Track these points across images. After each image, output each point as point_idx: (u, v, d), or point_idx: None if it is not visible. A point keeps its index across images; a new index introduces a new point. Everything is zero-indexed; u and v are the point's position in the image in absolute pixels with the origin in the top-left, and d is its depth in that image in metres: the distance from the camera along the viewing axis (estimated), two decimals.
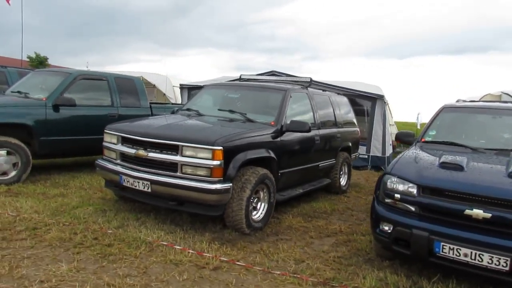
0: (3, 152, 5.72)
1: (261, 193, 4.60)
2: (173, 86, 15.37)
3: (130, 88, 7.54)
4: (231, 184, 4.12)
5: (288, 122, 5.09)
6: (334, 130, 6.61)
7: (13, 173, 5.85)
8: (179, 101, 14.73)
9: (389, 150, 10.43)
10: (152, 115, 7.67)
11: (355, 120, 7.85)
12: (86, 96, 6.72)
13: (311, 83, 6.30)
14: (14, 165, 5.87)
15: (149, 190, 4.20)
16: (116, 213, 4.73)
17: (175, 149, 4.15)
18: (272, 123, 5.03)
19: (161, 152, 4.23)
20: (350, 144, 7.26)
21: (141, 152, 4.30)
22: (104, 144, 4.82)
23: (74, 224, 4.23)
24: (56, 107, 6.25)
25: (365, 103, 10.40)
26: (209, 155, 4.02)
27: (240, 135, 4.34)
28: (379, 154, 10.20)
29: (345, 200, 6.63)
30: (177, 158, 4.13)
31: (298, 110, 5.69)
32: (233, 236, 4.28)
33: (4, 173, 5.78)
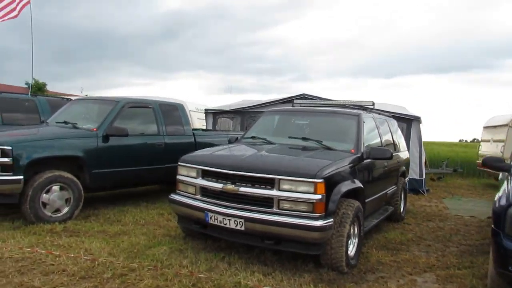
0: (57, 187, 5.35)
1: (352, 227, 4.27)
2: (190, 111, 15.07)
3: (174, 115, 7.25)
4: (332, 220, 3.80)
5: (365, 148, 4.81)
6: (395, 155, 6.34)
7: (65, 210, 5.47)
8: (198, 126, 14.43)
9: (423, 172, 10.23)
10: (195, 143, 7.35)
11: (405, 144, 7.62)
12: (133, 125, 6.40)
13: (373, 106, 6.07)
14: (66, 201, 5.48)
15: (243, 228, 3.86)
16: (195, 253, 4.35)
17: (270, 183, 3.84)
18: (352, 150, 4.75)
19: (253, 187, 3.91)
20: (405, 169, 7.00)
21: (230, 187, 3.97)
22: (180, 178, 4.48)
23: (159, 268, 3.85)
24: (106, 138, 5.91)
25: (400, 125, 10.20)
26: (311, 189, 3.72)
27: (334, 166, 4.04)
28: (417, 177, 9.96)
29: (409, 228, 6.31)
30: (273, 192, 3.81)
31: (368, 136, 5.43)
32: (332, 276, 3.93)
33: (57, 210, 5.40)
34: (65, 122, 6.17)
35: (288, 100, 10.84)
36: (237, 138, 5.68)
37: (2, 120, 7.71)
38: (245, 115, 11.42)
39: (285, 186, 3.79)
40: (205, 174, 4.24)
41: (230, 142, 5.55)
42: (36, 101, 8.45)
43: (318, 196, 3.71)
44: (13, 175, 4.92)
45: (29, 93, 9.34)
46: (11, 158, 4.90)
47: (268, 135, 5.37)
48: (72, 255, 4.10)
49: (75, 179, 5.53)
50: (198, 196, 4.25)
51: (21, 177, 4.98)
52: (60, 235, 4.81)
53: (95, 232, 5.06)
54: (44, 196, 5.23)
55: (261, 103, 11.37)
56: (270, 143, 5.07)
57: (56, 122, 6.31)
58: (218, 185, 4.07)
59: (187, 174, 4.39)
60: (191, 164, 4.37)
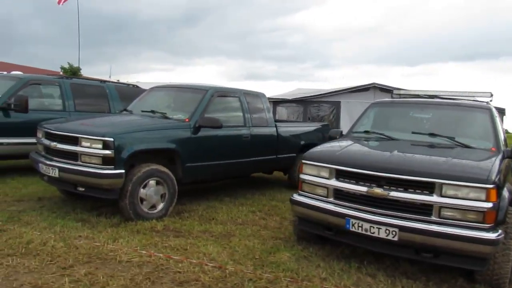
0: (153, 182, 4.98)
1: None
2: None
3: (257, 104, 6.79)
4: (502, 231, 3.28)
5: (504, 147, 4.26)
6: None
7: (161, 206, 5.11)
8: None
9: None
10: (277, 134, 6.89)
11: None
12: (222, 115, 5.97)
13: (492, 99, 5.45)
14: (161, 196, 5.11)
15: (396, 238, 3.38)
16: (325, 261, 3.93)
17: (428, 188, 3.33)
18: (493, 149, 4.20)
19: (406, 191, 3.41)
20: None
21: (378, 191, 3.48)
22: (305, 177, 4.02)
23: (299, 281, 3.43)
24: (197, 129, 5.50)
25: None
26: (482, 195, 3.21)
27: (496, 168, 3.50)
28: None
29: None
30: (433, 198, 3.32)
31: None
32: None
33: (153, 206, 5.03)
34: (152, 112, 5.78)
35: (357, 89, 10.27)
36: (341, 132, 5.18)
37: (75, 107, 7.42)
38: (308, 105, 10.89)
39: (449, 192, 3.29)
40: (340, 175, 3.77)
41: (331, 137, 5.07)
42: (105, 87, 8.13)
43: (490, 204, 3.20)
44: (115, 168, 4.56)
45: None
46: (112, 151, 4.54)
47: (383, 129, 4.86)
48: (195, 261, 3.72)
49: (170, 173, 5.15)
50: (331, 199, 3.79)
51: (123, 171, 4.63)
52: (167, 236, 4.46)
53: (199, 232, 4.68)
54: (142, 191, 4.87)
55: (325, 92, 10.81)
56: (392, 139, 4.55)
57: (142, 111, 5.93)
58: (360, 188, 3.59)
59: (316, 173, 3.92)
60: (321, 162, 3.90)
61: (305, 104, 10.68)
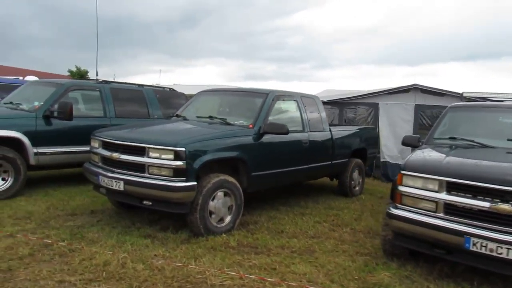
0: (221, 194, 4.64)
1: None
2: None
3: (314, 108, 6.45)
4: None
5: None
6: None
7: (228, 219, 4.78)
8: None
9: None
10: (332, 140, 6.55)
11: None
12: (282, 120, 5.62)
13: None
14: (229, 208, 4.77)
15: None
16: (433, 283, 3.58)
17: None
18: None
19: None
20: None
21: (505, 207, 3.13)
22: (406, 189, 3.68)
23: None
24: (262, 136, 5.16)
25: None
26: None
27: None
28: None
29: None
30: None
31: None
32: None
33: (221, 220, 4.69)
34: (210, 117, 5.44)
35: (396, 91, 9.91)
36: (418, 138, 4.82)
37: (115, 113, 7.08)
38: (344, 107, 10.54)
39: None
40: (452, 188, 3.41)
41: (407, 144, 4.72)
42: (144, 91, 7.79)
43: None
44: (186, 181, 4.22)
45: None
46: (184, 161, 4.20)
47: (470, 135, 4.50)
48: (294, 284, 3.37)
49: (237, 183, 4.81)
50: (441, 215, 3.44)
51: (195, 183, 4.29)
52: (246, 253, 4.12)
53: (277, 248, 4.34)
54: (211, 204, 4.53)
55: (361, 94, 10.45)
56: (487, 146, 4.20)
57: (198, 117, 5.59)
58: (481, 204, 3.24)
59: (421, 186, 3.57)
60: (427, 174, 3.54)
61: (341, 106, 10.34)
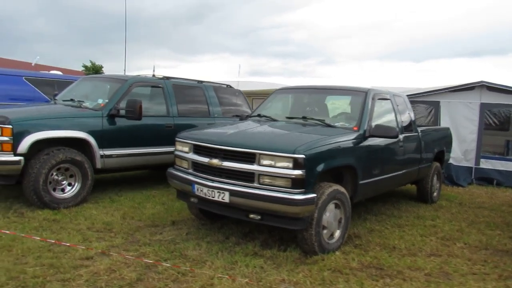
0: (333, 206, 4.08)
1: None
2: None
3: (404, 107, 5.88)
4: None
5: None
6: None
7: (338, 234, 4.24)
8: None
9: None
10: (420, 142, 5.96)
11: None
12: (380, 121, 5.04)
13: None
14: (339, 221, 4.22)
15: None
16: None
17: None
18: None
19: None
20: None
21: None
22: None
23: None
24: (366, 139, 4.59)
25: None
26: None
27: None
28: None
29: None
30: None
31: None
32: None
33: (331, 235, 4.13)
34: (304, 118, 4.89)
35: (460, 89, 9.28)
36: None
37: (178, 111, 6.53)
38: None
39: None
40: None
41: None
42: (203, 87, 7.23)
43: None
44: (305, 192, 3.66)
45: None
46: (304, 170, 3.64)
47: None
48: None
49: (347, 193, 4.25)
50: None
51: (314, 195, 3.72)
52: (380, 277, 3.60)
53: (407, 269, 3.79)
54: (323, 218, 3.97)
55: (421, 92, 9.83)
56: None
57: (288, 118, 5.03)
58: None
59: None
60: None
61: None
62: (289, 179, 3.65)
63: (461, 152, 9.19)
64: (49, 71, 13.82)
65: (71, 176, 5.27)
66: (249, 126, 4.63)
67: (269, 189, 3.72)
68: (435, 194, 6.90)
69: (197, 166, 4.24)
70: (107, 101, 5.74)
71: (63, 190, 5.20)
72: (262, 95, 11.80)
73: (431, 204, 6.70)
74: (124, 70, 20.54)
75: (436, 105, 9.47)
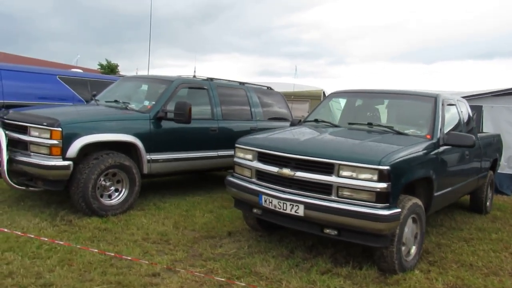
0: (410, 220, 3.78)
1: None
2: None
3: (466, 113, 5.53)
4: None
5: None
6: None
7: (413, 250, 3.91)
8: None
9: None
10: (480, 149, 5.61)
11: None
12: (449, 129, 4.72)
13: None
14: (415, 237, 3.91)
15: None
16: None
17: None
18: None
19: None
20: None
21: None
22: None
23: None
24: (439, 148, 4.27)
25: None
26: None
27: None
28: None
29: None
30: None
31: None
32: None
33: (408, 252, 3.82)
34: (370, 125, 4.58)
35: (504, 93, 8.91)
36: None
37: (222, 114, 6.26)
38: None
39: None
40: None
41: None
42: (246, 89, 6.95)
43: None
44: (390, 207, 3.36)
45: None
46: (389, 184, 3.33)
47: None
48: None
49: (423, 207, 3.94)
50: None
51: (399, 210, 3.42)
52: None
53: None
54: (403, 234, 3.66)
55: (465, 95, 9.44)
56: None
57: (350, 124, 4.73)
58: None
59: None
60: None
61: None
62: (373, 193, 3.35)
63: (505, 159, 8.80)
64: (69, 69, 13.68)
65: (118, 181, 5.02)
66: (317, 133, 4.34)
67: (349, 202, 3.43)
68: (488, 204, 6.56)
69: (262, 175, 3.96)
70: (153, 103, 5.47)
71: (110, 196, 4.95)
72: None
73: (485, 214, 6.36)
74: (148, 70, 20.39)
75: (478, 110, 9.09)
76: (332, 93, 5.55)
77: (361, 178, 3.40)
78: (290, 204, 3.61)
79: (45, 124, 4.48)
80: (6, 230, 4.03)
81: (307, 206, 3.54)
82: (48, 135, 4.45)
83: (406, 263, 3.74)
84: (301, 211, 3.56)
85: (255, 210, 4.07)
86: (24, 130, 4.64)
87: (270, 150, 3.89)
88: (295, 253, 4.08)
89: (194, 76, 6.75)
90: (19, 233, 3.97)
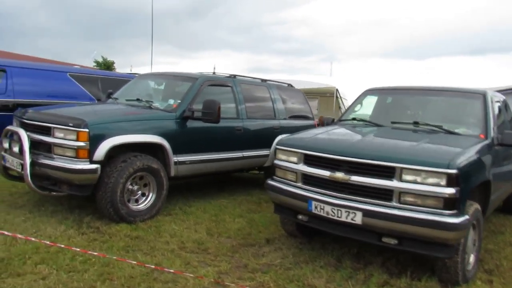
0: (471, 227, 3.52)
1: None
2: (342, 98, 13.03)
3: (508, 111, 5.29)
4: None
5: None
6: None
7: (472, 258, 3.65)
8: None
9: None
10: None
11: None
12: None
13: None
14: (474, 245, 3.67)
15: None
16: None
17: None
18: None
19: None
20: None
21: None
22: None
23: None
24: (492, 148, 4.03)
25: None
26: None
27: None
28: None
29: None
30: None
31: None
32: None
33: (468, 261, 3.57)
34: (415, 123, 4.31)
35: None
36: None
37: (247, 113, 5.98)
38: None
39: None
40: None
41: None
42: (267, 87, 6.68)
43: None
44: (458, 214, 3.10)
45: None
46: (457, 189, 3.07)
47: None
48: None
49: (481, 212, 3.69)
50: None
51: (468, 217, 3.17)
52: None
53: None
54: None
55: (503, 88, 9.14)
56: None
57: (393, 123, 4.46)
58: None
59: None
60: None
61: None
62: (440, 199, 3.09)
63: None
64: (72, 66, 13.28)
65: (144, 185, 4.72)
66: (365, 133, 4.06)
67: (413, 209, 3.16)
68: None
69: (310, 179, 3.69)
70: (179, 101, 5.17)
71: (136, 201, 4.65)
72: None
73: None
74: (151, 66, 20.00)
75: None
76: (367, 90, 5.28)
77: (427, 183, 3.13)
78: (346, 211, 3.34)
79: (71, 124, 4.17)
80: (33, 239, 3.73)
81: (366, 213, 3.27)
82: (74, 137, 4.15)
83: (467, 273, 3.49)
84: (358, 219, 3.29)
85: (300, 217, 3.80)
86: (47, 131, 4.34)
87: (320, 153, 3.62)
88: (342, 262, 3.81)
89: (214, 73, 6.45)
90: (48, 242, 3.67)
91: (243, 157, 5.90)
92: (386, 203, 3.25)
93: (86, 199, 4.89)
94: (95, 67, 34.28)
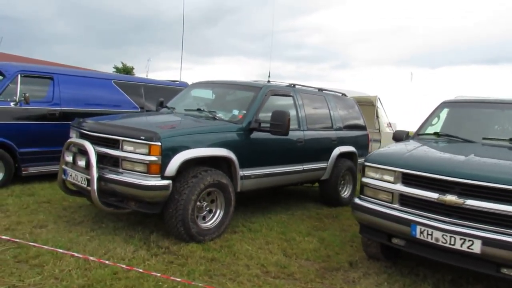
0: None
1: None
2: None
3: None
4: None
5: None
6: None
7: None
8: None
9: None
10: None
11: None
12: None
13: None
14: None
15: None
16: None
17: None
18: None
19: None
20: None
21: None
22: None
23: None
24: None
25: None
26: None
27: None
28: None
29: None
30: None
31: None
32: None
33: None
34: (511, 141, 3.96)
35: None
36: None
37: (307, 125, 5.67)
38: None
39: None
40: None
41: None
42: (325, 97, 6.37)
43: None
44: None
45: None
46: None
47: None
48: None
49: None
50: None
51: None
52: None
53: None
54: None
55: None
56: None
57: (485, 138, 4.11)
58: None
59: None
60: None
61: None
62: None
63: None
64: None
65: (211, 201, 4.44)
66: (463, 150, 3.72)
67: None
68: None
69: (409, 200, 3.36)
70: (244, 112, 4.89)
71: (203, 218, 4.36)
72: None
73: None
74: (180, 76, 19.90)
75: None
76: (443, 102, 4.94)
77: None
78: (461, 239, 3.01)
79: (142, 137, 3.90)
80: (108, 262, 3.45)
81: (486, 241, 2.93)
82: (146, 151, 3.87)
83: None
84: (477, 248, 2.96)
85: (396, 241, 3.47)
86: (113, 144, 4.07)
87: (426, 172, 3.29)
88: None
89: (268, 81, 6.17)
90: (124, 266, 3.39)
91: (303, 170, 5.60)
92: (508, 230, 2.90)
93: (145, 214, 4.62)
94: (115, 72, 34.39)
